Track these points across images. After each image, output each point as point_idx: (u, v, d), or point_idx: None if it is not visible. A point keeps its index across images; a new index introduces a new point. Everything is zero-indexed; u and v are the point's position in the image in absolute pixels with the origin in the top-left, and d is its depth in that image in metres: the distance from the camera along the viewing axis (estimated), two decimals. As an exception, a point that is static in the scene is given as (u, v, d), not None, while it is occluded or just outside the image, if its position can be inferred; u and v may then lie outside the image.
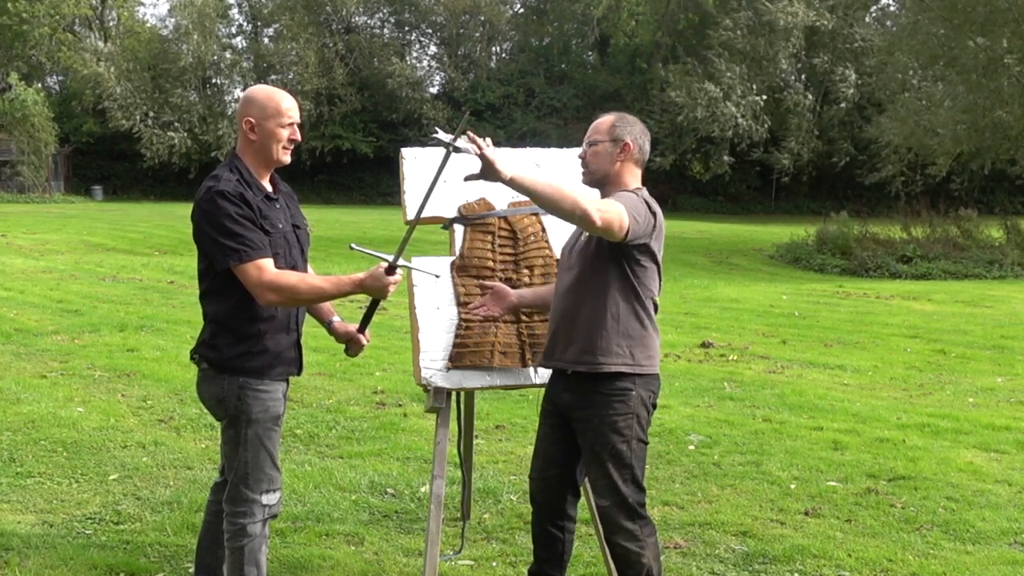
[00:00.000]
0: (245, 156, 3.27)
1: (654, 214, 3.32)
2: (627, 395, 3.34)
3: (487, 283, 3.69)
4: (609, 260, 3.31)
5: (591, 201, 3.12)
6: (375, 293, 3.22)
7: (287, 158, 3.30)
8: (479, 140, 3.07)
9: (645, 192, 3.41)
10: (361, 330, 3.48)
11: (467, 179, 3.13)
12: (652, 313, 3.41)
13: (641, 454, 3.41)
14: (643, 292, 3.36)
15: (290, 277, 3.17)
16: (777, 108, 39.08)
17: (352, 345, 3.52)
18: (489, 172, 3.06)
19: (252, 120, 3.21)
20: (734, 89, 37.43)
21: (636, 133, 3.42)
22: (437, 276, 3.55)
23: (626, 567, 3.42)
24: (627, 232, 3.19)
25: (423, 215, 3.40)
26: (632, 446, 3.36)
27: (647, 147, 3.47)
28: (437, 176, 3.11)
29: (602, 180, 3.43)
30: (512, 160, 3.26)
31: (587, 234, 3.34)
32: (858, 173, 38.18)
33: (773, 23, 38.13)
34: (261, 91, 3.28)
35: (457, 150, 3.05)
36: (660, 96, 39.94)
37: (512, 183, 3.07)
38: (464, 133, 3.06)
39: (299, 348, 3.41)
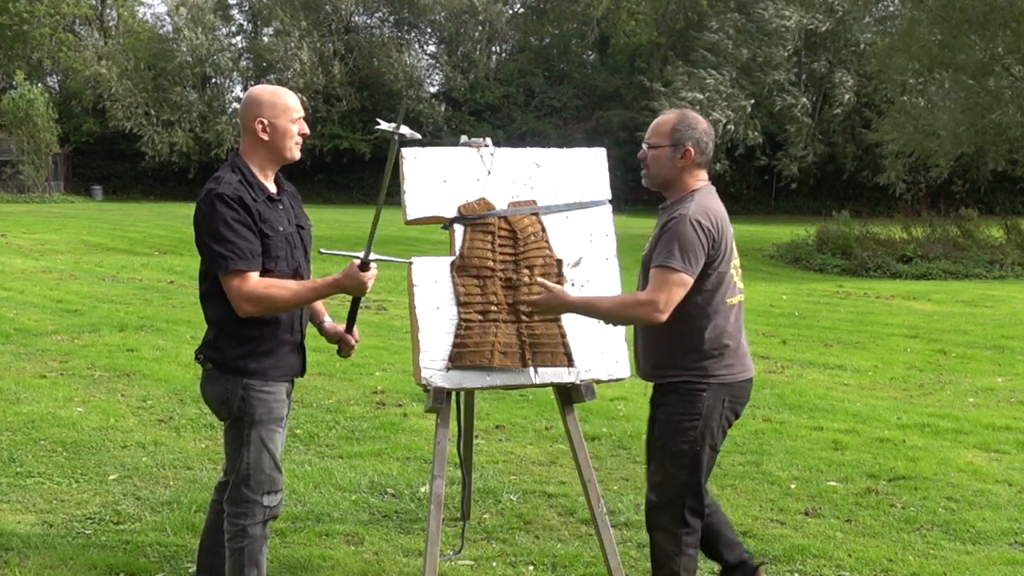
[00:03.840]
0: (250, 156, 3.27)
1: (714, 229, 3.25)
2: (697, 398, 3.31)
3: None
4: None
5: (645, 300, 3.19)
6: (354, 291, 3.25)
7: (298, 154, 3.32)
8: (548, 283, 3.39)
9: (703, 200, 3.30)
10: (348, 330, 3.48)
11: (528, 306, 3.51)
12: (729, 319, 3.34)
13: (705, 462, 3.36)
14: (713, 300, 3.30)
15: (269, 288, 3.16)
16: (773, 112, 39.00)
17: (343, 346, 3.52)
18: (551, 305, 3.39)
19: (264, 120, 3.22)
20: (720, 94, 37.21)
21: (698, 135, 3.33)
22: (410, 262, 3.56)
23: (658, 564, 3.43)
24: (694, 276, 3.21)
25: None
26: (696, 449, 3.32)
27: (711, 147, 3.38)
28: (389, 166, 3.12)
29: (662, 185, 3.40)
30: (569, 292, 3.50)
31: (650, 248, 3.34)
32: (861, 174, 38.12)
33: (765, 26, 38.02)
34: (266, 91, 3.29)
35: (403, 137, 3.07)
36: (648, 102, 39.84)
37: (576, 308, 3.39)
38: (404, 119, 3.12)
39: (302, 349, 3.41)
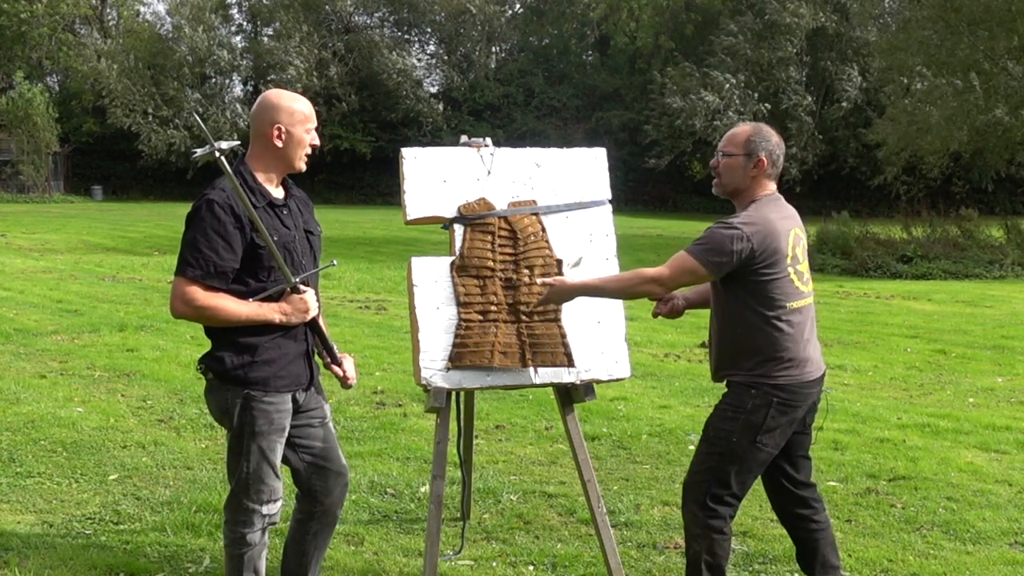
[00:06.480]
0: (257, 161, 3.22)
1: (756, 237, 3.32)
2: (745, 393, 3.40)
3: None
4: (734, 279, 3.38)
5: (652, 277, 3.38)
6: (299, 317, 3.20)
7: (305, 165, 3.29)
8: (547, 279, 3.58)
9: (758, 209, 3.40)
10: (331, 359, 3.41)
11: (536, 305, 3.74)
12: (789, 322, 3.41)
13: (741, 456, 3.39)
14: (771, 304, 3.38)
15: (208, 299, 3.09)
16: (777, 111, 39.02)
17: (337, 378, 3.46)
18: (560, 294, 3.56)
19: (282, 126, 3.18)
20: (734, 96, 37.30)
21: (771, 147, 3.46)
22: (335, 263, 3.58)
23: (686, 543, 3.53)
24: (711, 272, 3.33)
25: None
26: (732, 440, 3.39)
27: (781, 160, 3.51)
28: (232, 181, 3.08)
29: (733, 192, 3.51)
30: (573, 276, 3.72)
31: None
32: (861, 174, 38.11)
33: (778, 25, 38.05)
34: (285, 96, 3.24)
35: (224, 151, 3.07)
36: (659, 100, 39.83)
37: (582, 291, 3.55)
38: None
39: (309, 358, 3.34)
